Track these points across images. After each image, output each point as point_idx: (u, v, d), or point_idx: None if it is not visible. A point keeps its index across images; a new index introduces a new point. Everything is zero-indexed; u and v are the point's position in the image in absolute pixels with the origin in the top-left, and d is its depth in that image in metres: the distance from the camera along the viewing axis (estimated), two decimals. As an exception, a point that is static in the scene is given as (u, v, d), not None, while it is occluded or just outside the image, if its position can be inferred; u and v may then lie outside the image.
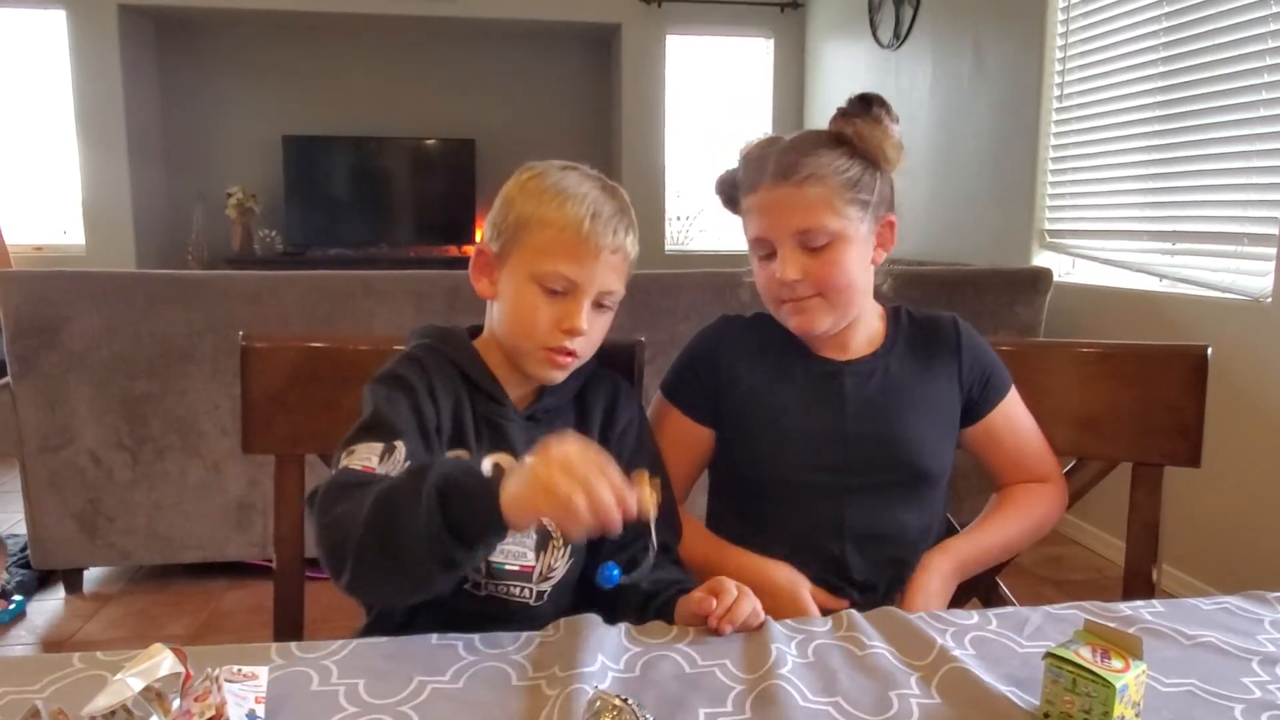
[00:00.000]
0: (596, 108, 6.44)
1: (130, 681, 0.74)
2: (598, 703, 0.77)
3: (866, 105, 1.27)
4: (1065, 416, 1.44)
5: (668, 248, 6.31)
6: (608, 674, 0.90)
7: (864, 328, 1.36)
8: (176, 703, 0.76)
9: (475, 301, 1.24)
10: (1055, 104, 3.61)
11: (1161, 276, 3.09)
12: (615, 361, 1.34)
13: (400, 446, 1.05)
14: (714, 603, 1.01)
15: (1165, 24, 3.01)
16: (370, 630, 1.15)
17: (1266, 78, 2.62)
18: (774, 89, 6.32)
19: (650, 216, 5.98)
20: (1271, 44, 2.60)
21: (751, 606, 1.01)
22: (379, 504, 0.93)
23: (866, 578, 1.30)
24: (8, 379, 2.67)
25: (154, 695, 0.75)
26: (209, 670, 0.79)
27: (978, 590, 1.47)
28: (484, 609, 1.13)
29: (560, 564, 1.17)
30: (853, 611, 1.05)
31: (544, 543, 1.16)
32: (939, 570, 1.28)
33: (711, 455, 1.39)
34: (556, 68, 6.42)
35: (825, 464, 1.31)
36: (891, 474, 1.32)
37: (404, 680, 0.88)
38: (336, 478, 1.02)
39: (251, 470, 2.80)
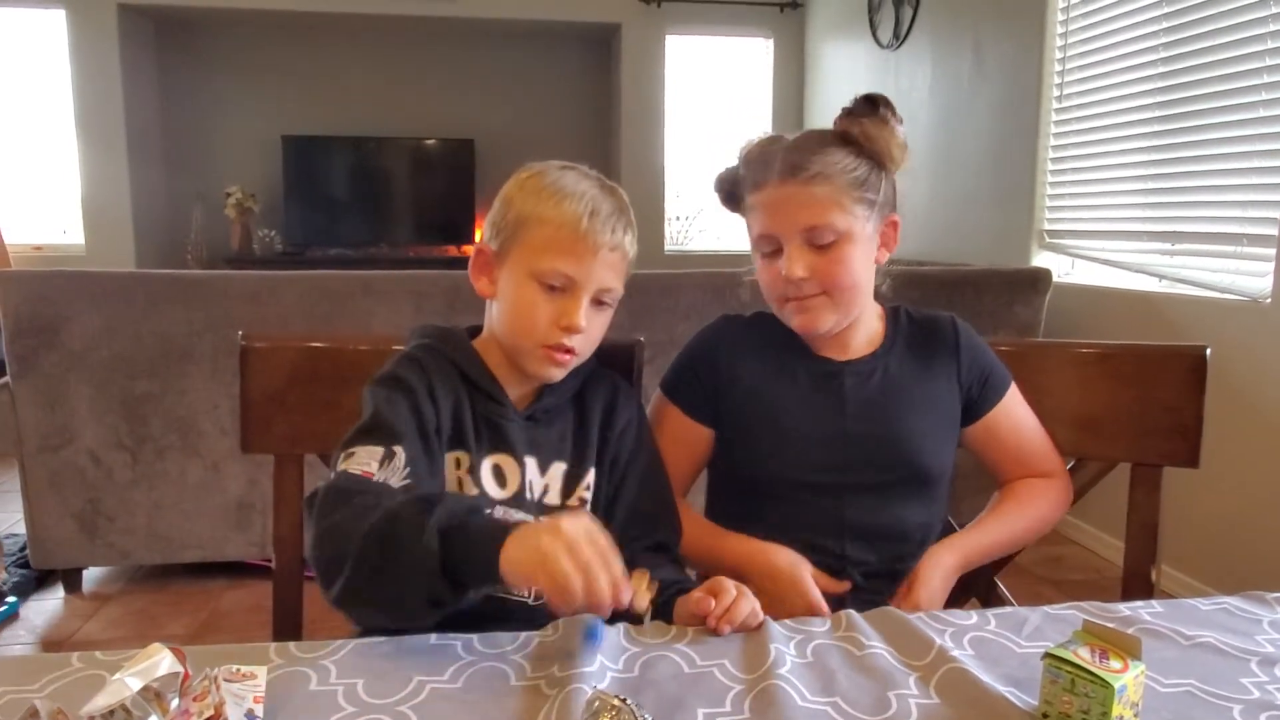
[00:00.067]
0: (596, 108, 6.44)
1: (129, 681, 0.74)
2: (596, 703, 0.77)
3: (873, 105, 1.27)
4: (1064, 417, 1.44)
5: (667, 247, 6.31)
6: (606, 674, 0.90)
7: (864, 327, 1.36)
8: (175, 702, 0.76)
9: (475, 301, 1.24)
10: (1055, 104, 3.61)
11: (1161, 277, 3.10)
12: (614, 361, 1.34)
13: (400, 452, 1.05)
14: (713, 603, 1.01)
15: (1165, 24, 3.01)
16: (369, 630, 1.15)
17: (1266, 78, 2.62)
18: (773, 89, 6.32)
19: (650, 216, 5.98)
20: (1271, 44, 2.60)
21: (750, 606, 1.01)
22: (380, 528, 0.93)
23: (867, 577, 1.30)
24: (7, 379, 2.67)
25: (152, 695, 0.75)
26: (208, 670, 0.79)
27: (976, 590, 1.47)
28: (483, 608, 1.12)
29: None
30: (851, 612, 1.05)
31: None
32: (941, 564, 1.28)
33: (711, 454, 1.39)
34: (556, 68, 6.42)
35: (825, 463, 1.31)
36: (891, 473, 1.32)
37: (403, 680, 0.88)
38: (336, 482, 1.02)
39: (251, 470, 2.80)
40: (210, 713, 0.75)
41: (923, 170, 4.45)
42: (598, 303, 1.17)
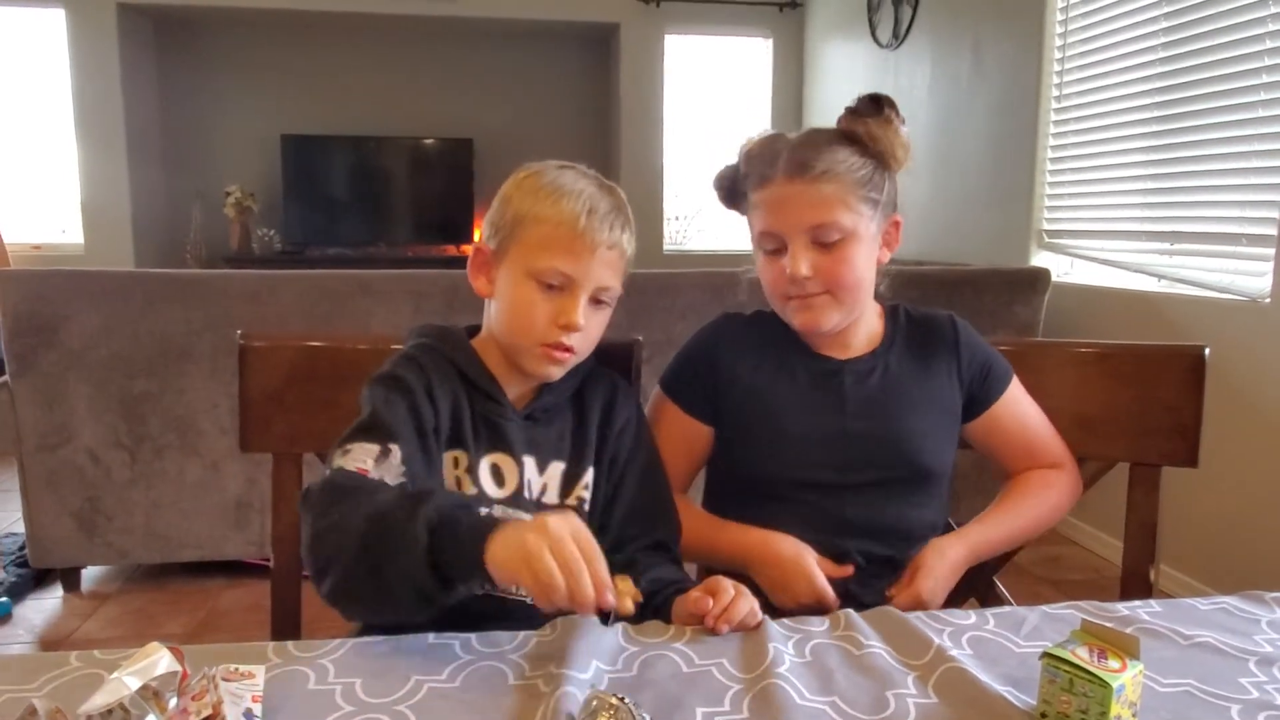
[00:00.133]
0: (595, 107, 6.44)
1: (127, 680, 0.74)
2: (594, 702, 0.77)
3: (878, 105, 1.28)
4: (1063, 416, 1.44)
5: (666, 247, 6.31)
6: (604, 674, 0.90)
7: (864, 326, 1.37)
8: (173, 701, 0.76)
9: (473, 301, 1.24)
10: (1054, 104, 3.61)
11: (1160, 277, 3.10)
12: (613, 360, 1.34)
13: (396, 450, 1.05)
14: (711, 602, 1.01)
15: (1164, 24, 3.01)
16: (367, 629, 1.15)
17: (1265, 78, 2.62)
18: (773, 89, 6.32)
19: (648, 216, 5.98)
20: (1270, 44, 2.60)
21: (749, 606, 1.01)
22: (372, 524, 0.93)
23: (868, 575, 1.30)
24: (6, 377, 2.67)
25: (151, 694, 0.75)
26: (206, 669, 0.79)
27: (975, 589, 1.47)
28: (481, 607, 1.12)
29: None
30: (850, 611, 1.05)
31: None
32: (947, 555, 1.27)
33: (710, 453, 1.39)
34: (555, 67, 6.41)
35: (825, 462, 1.31)
36: (892, 471, 1.32)
37: (401, 679, 0.88)
38: (331, 478, 1.02)
39: (249, 469, 2.80)
40: (208, 712, 0.75)
41: (922, 170, 4.45)
42: (596, 301, 1.17)
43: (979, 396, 1.38)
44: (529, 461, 1.18)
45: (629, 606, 0.94)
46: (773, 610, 1.13)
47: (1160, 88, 3.04)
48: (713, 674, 0.91)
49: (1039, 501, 1.38)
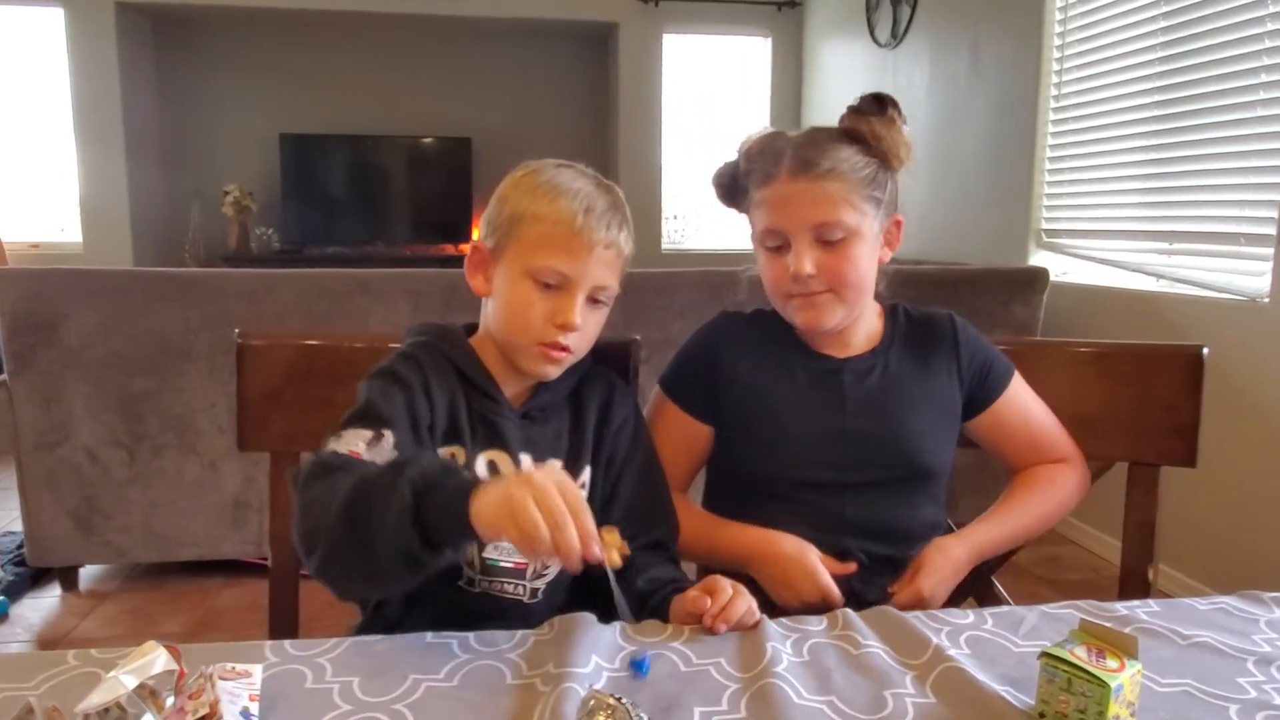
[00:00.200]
0: (593, 106, 6.44)
1: (124, 679, 0.74)
2: (592, 702, 0.77)
3: (881, 105, 1.28)
4: (1062, 416, 1.44)
5: (664, 246, 6.31)
6: (602, 673, 0.90)
7: (864, 325, 1.37)
8: (170, 700, 0.76)
9: (472, 300, 1.24)
10: (1052, 104, 3.61)
11: (1158, 276, 3.10)
12: (610, 360, 1.34)
13: (389, 435, 1.04)
14: (709, 601, 1.01)
15: (1163, 24, 3.01)
16: (365, 628, 1.15)
17: (1264, 77, 2.62)
18: (771, 88, 6.32)
19: (647, 215, 5.98)
20: (1269, 44, 2.60)
21: (747, 605, 1.01)
22: (356, 489, 0.92)
23: (867, 573, 1.30)
24: (4, 376, 2.67)
25: (148, 693, 0.75)
26: (203, 668, 0.79)
27: (974, 589, 1.47)
28: (478, 606, 1.13)
29: (554, 562, 1.17)
30: (848, 610, 1.05)
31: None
32: (949, 551, 1.27)
33: (710, 452, 1.39)
34: (553, 66, 6.41)
35: (825, 461, 1.31)
36: (891, 470, 1.32)
37: (398, 678, 0.88)
38: (321, 457, 1.01)
39: (247, 468, 2.79)
40: (205, 710, 0.75)
41: (920, 169, 4.45)
42: (593, 300, 1.16)
43: (980, 394, 1.38)
44: (526, 460, 1.18)
45: (615, 559, 0.93)
46: (771, 610, 1.13)
47: (1159, 87, 3.04)
48: (710, 673, 0.91)
49: (1045, 498, 1.37)
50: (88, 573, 2.99)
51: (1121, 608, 1.08)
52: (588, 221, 1.12)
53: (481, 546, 1.13)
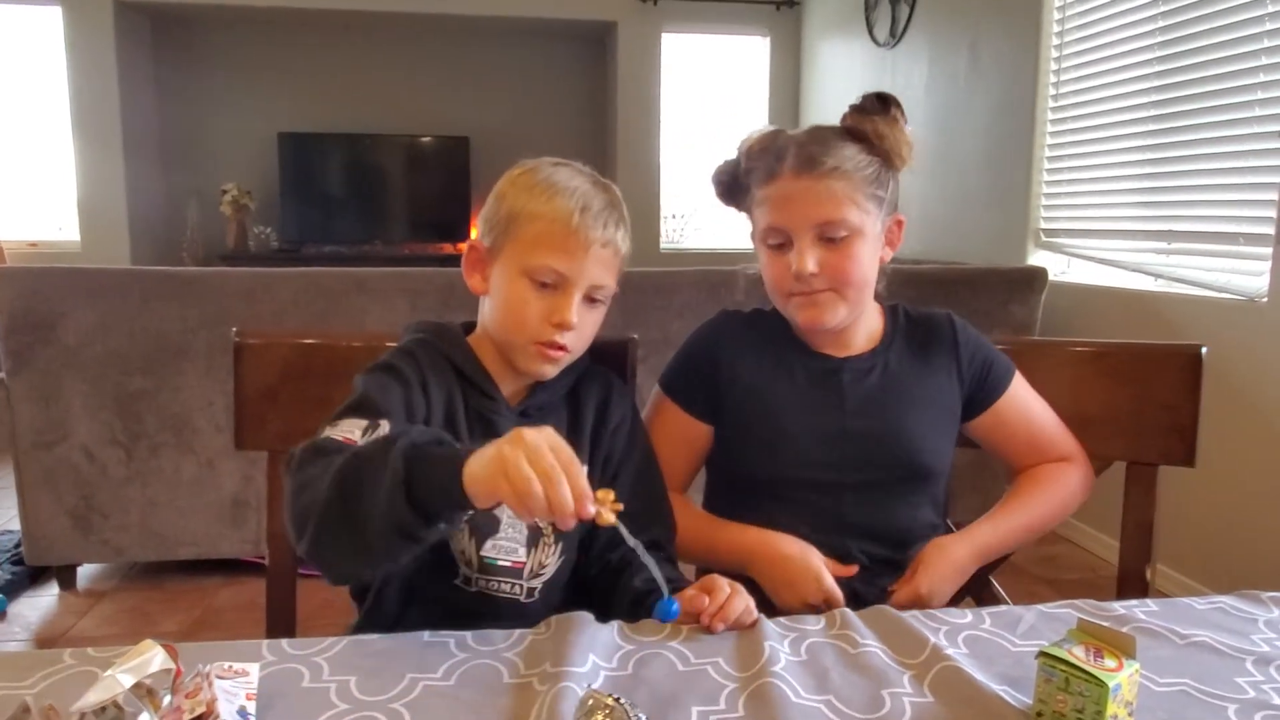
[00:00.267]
0: (592, 105, 6.43)
1: (121, 678, 0.74)
2: (590, 701, 0.77)
3: (884, 104, 1.28)
4: (1060, 416, 1.44)
5: (663, 245, 6.31)
6: (600, 672, 0.90)
7: (864, 325, 1.37)
8: (167, 699, 0.76)
9: (469, 299, 1.24)
10: (1051, 103, 3.61)
11: (1157, 276, 3.10)
12: (608, 359, 1.33)
13: (384, 425, 1.03)
14: (706, 600, 1.01)
15: (1161, 23, 3.01)
16: (362, 627, 1.15)
17: (1262, 77, 2.62)
18: (770, 87, 6.32)
19: (645, 214, 5.97)
20: (1267, 43, 2.60)
21: (744, 604, 1.01)
22: (347, 464, 0.92)
23: (867, 574, 1.30)
24: (2, 375, 2.67)
25: (144, 692, 0.74)
26: (200, 666, 0.79)
27: (972, 588, 1.47)
28: (475, 605, 1.13)
29: (551, 561, 1.17)
30: (846, 610, 1.05)
31: (535, 539, 1.16)
32: (949, 551, 1.27)
33: (709, 451, 1.39)
34: (552, 65, 6.41)
35: (824, 460, 1.31)
36: (890, 470, 1.32)
37: (395, 677, 0.88)
38: (315, 442, 1.01)
39: (245, 467, 2.79)
40: (202, 709, 0.75)
41: (919, 169, 4.37)
42: (590, 299, 1.16)
43: (981, 394, 1.38)
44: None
45: (609, 518, 0.92)
46: (770, 609, 1.13)
47: (1157, 86, 3.04)
48: (708, 673, 0.91)
49: (1048, 497, 1.37)
50: (85, 571, 2.98)
51: (1119, 607, 1.08)
52: (584, 220, 1.12)
53: (480, 545, 1.13)
